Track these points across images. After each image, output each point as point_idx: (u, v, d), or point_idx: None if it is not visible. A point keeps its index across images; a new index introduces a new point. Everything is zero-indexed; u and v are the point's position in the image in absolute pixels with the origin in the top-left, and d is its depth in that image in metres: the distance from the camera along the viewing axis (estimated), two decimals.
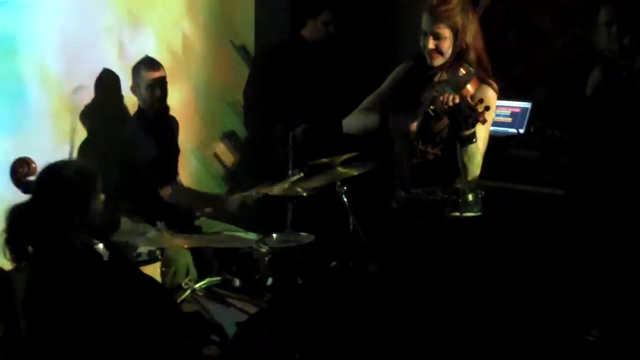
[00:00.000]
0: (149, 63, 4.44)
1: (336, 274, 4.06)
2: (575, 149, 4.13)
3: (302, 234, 4.13)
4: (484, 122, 3.13)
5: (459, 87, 3.15)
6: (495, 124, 5.04)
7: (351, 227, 4.19)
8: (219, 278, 3.77)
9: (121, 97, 4.66)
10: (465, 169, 3.29)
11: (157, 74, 4.42)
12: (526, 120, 4.95)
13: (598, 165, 3.92)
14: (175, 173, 4.65)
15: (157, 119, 4.50)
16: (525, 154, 4.76)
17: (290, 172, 4.29)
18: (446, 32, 3.30)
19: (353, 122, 3.62)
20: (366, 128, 3.57)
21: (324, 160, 4.22)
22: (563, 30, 5.18)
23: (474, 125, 3.13)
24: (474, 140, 3.20)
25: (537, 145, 4.75)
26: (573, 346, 3.94)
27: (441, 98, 3.15)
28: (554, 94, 4.30)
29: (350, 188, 4.17)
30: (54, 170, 2.88)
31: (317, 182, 4.24)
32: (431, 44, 3.32)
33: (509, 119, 5.03)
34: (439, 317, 3.48)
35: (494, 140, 4.89)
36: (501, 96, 5.04)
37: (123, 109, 4.68)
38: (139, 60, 4.47)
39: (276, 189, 4.26)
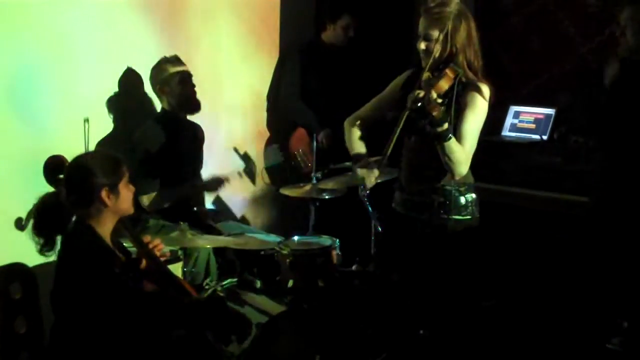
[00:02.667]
0: (173, 60, 4.38)
1: (357, 277, 4.07)
2: (600, 155, 4.11)
3: (324, 236, 4.14)
4: (432, 111, 3.10)
5: (431, 85, 3.17)
6: (519, 130, 5.07)
7: (373, 231, 4.20)
8: (234, 279, 3.78)
9: (146, 96, 4.63)
10: (448, 167, 3.28)
11: (185, 68, 4.38)
12: (550, 126, 4.94)
13: (623, 171, 3.91)
14: (180, 180, 4.44)
15: (184, 121, 4.46)
16: (548, 160, 4.75)
17: (313, 174, 4.31)
18: (435, 34, 3.31)
19: (345, 131, 3.70)
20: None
21: (346, 163, 4.23)
22: (588, 36, 5.16)
23: (439, 121, 3.14)
24: (449, 137, 3.19)
25: (561, 151, 4.74)
26: (594, 354, 3.93)
27: (410, 95, 3.17)
28: (578, 100, 4.29)
29: (373, 192, 4.18)
30: (81, 159, 2.94)
31: (339, 185, 4.25)
32: (422, 45, 3.35)
33: (533, 126, 5.03)
34: (455, 323, 3.47)
35: (518, 147, 4.94)
36: (525, 102, 5.12)
37: (146, 108, 4.66)
38: (158, 62, 4.39)
39: (298, 192, 4.29)
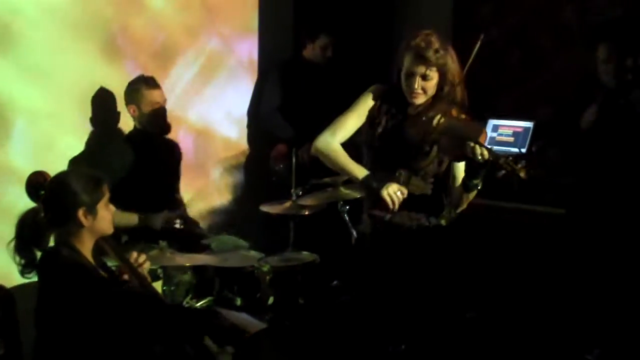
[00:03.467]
0: (148, 81, 4.36)
1: (338, 293, 4.06)
2: (576, 171, 4.15)
3: (304, 252, 4.14)
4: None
5: (473, 138, 3.24)
6: (497, 143, 5.09)
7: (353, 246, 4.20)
8: (211, 298, 3.78)
9: (117, 115, 4.60)
10: (459, 206, 3.45)
11: (158, 93, 4.37)
12: (528, 139, 4.96)
13: (597, 188, 3.95)
14: (164, 199, 4.44)
15: (152, 142, 4.41)
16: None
17: (293, 190, 4.30)
18: (435, 74, 3.37)
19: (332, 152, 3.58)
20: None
21: (327, 179, 4.23)
22: (565, 50, 5.20)
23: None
24: (480, 187, 3.31)
25: (539, 164, 4.75)
26: None
27: (479, 151, 3.20)
28: (555, 114, 4.33)
29: (352, 207, 4.18)
30: (61, 176, 2.94)
31: (319, 201, 4.25)
32: (418, 85, 3.36)
33: (511, 139, 5.04)
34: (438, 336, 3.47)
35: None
36: (503, 116, 5.14)
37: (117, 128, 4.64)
38: (135, 79, 4.38)
39: (278, 208, 4.28)
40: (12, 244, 2.88)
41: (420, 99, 3.40)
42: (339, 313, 3.94)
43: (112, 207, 2.99)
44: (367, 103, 3.55)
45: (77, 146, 4.41)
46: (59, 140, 4.34)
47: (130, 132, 4.45)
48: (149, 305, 2.99)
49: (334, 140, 3.55)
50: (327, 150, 3.52)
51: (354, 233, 3.98)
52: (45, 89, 4.23)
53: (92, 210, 2.88)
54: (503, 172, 3.25)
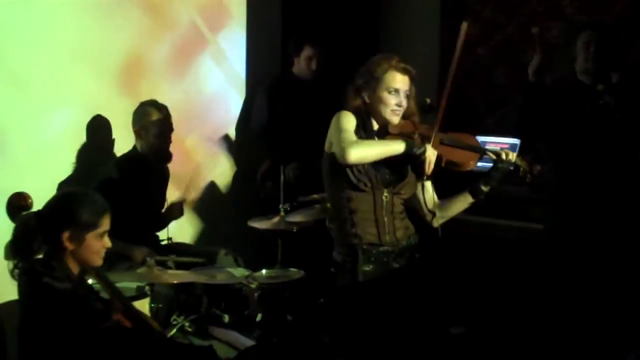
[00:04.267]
0: (160, 107, 4.36)
1: (325, 310, 4.06)
2: (555, 181, 4.18)
3: (292, 269, 4.14)
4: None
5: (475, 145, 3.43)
6: (484, 160, 5.10)
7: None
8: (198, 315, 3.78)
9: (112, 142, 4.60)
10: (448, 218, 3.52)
11: (168, 120, 4.36)
12: None
13: (576, 201, 3.99)
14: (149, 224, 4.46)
15: (149, 167, 4.39)
16: (514, 189, 4.79)
17: (281, 207, 4.31)
18: (412, 91, 3.42)
19: (365, 150, 3.30)
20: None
21: (315, 196, 4.25)
22: (552, 67, 5.22)
23: None
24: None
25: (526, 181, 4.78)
26: None
27: (503, 154, 3.42)
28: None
29: None
30: (64, 193, 2.97)
31: (307, 217, 4.26)
32: (401, 101, 3.38)
33: None
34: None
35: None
36: (490, 132, 5.17)
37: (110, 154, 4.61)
38: (146, 103, 4.37)
39: (266, 224, 4.29)
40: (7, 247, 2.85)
41: (399, 117, 3.40)
42: (327, 329, 3.94)
43: (106, 241, 2.92)
44: (351, 120, 3.38)
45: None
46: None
47: (129, 152, 4.41)
48: (130, 345, 2.94)
49: (353, 143, 3.24)
50: (360, 151, 3.23)
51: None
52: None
53: (79, 236, 2.83)
54: (521, 169, 3.41)
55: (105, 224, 2.91)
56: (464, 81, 5.56)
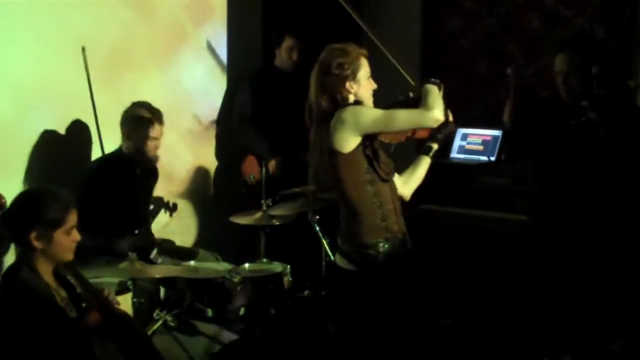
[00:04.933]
0: (153, 112, 4.30)
1: (309, 303, 4.06)
2: (540, 180, 4.19)
3: (275, 263, 4.14)
4: None
5: None
6: (467, 152, 5.13)
7: (324, 255, 4.21)
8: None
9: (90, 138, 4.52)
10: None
11: (159, 127, 4.31)
12: (497, 148, 4.99)
13: (561, 195, 4.00)
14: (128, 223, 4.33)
15: (136, 165, 4.34)
16: (496, 181, 4.81)
17: (263, 201, 4.30)
18: None
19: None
20: None
21: (296, 189, 4.24)
22: (532, 59, 5.25)
23: None
24: None
25: (508, 172, 4.80)
26: None
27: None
28: (523, 122, 4.37)
29: (323, 217, 4.19)
30: (25, 193, 2.95)
31: (289, 211, 4.26)
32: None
33: (481, 147, 5.08)
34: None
35: (466, 168, 4.99)
36: (472, 124, 5.18)
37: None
38: (139, 105, 4.31)
39: (249, 219, 4.28)
40: None
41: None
42: (313, 323, 3.95)
43: (75, 235, 2.91)
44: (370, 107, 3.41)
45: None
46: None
47: (114, 152, 4.37)
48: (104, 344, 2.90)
49: (431, 109, 3.25)
50: (441, 109, 3.27)
51: (324, 246, 4.01)
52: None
53: (46, 234, 2.81)
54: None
55: (72, 219, 2.89)
56: (445, 73, 5.57)
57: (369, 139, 3.26)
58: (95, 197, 4.07)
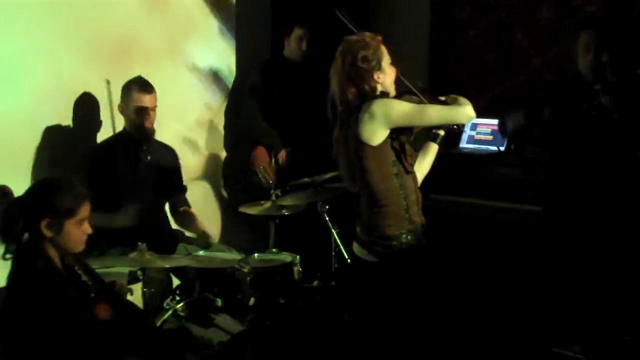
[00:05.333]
0: (141, 85, 4.35)
1: (318, 293, 4.05)
2: (551, 168, 4.17)
3: (284, 253, 4.13)
4: None
5: None
6: (476, 142, 5.11)
7: (333, 246, 4.20)
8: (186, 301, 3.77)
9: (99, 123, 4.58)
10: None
11: (148, 97, 4.33)
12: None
13: (572, 184, 3.98)
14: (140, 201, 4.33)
15: (139, 144, 4.38)
16: (505, 171, 4.79)
17: (272, 192, 4.30)
18: None
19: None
20: None
21: (306, 179, 4.23)
22: (542, 49, 5.22)
23: None
24: None
25: (518, 162, 4.77)
26: None
27: None
28: (533, 112, 4.34)
29: (332, 207, 4.18)
30: (41, 182, 2.94)
31: (298, 201, 4.25)
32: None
33: (490, 137, 5.06)
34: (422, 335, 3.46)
35: (476, 159, 4.97)
36: (482, 114, 5.16)
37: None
38: (131, 80, 4.37)
39: (258, 209, 4.27)
40: None
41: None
42: (320, 314, 3.94)
43: (87, 228, 2.92)
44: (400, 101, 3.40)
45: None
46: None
47: (118, 132, 4.47)
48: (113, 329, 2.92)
49: (464, 105, 3.42)
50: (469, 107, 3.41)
51: (333, 236, 4.00)
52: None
53: (57, 224, 2.83)
54: None
55: (85, 211, 2.90)
56: (454, 64, 5.55)
57: (397, 132, 3.27)
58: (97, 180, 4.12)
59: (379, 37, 3.38)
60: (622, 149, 3.86)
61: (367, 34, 3.39)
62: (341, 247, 4.12)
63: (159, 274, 3.95)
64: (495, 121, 5.06)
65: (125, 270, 3.64)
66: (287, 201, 4.26)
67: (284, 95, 5.22)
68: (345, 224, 4.01)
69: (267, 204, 4.27)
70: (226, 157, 5.58)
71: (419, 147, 3.61)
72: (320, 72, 4.90)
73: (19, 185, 3.01)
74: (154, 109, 4.38)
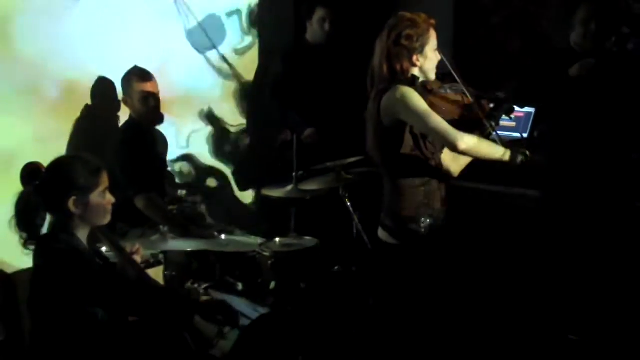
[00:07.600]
0: (140, 74, 4.39)
1: (339, 278, 4.05)
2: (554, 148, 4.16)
3: (306, 237, 4.13)
4: None
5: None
6: (499, 128, 5.06)
7: (354, 231, 4.19)
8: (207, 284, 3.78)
9: (118, 105, 4.60)
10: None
11: (149, 85, 4.38)
12: (530, 124, 4.93)
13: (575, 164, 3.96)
14: (157, 186, 4.45)
15: (147, 131, 4.47)
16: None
17: (294, 175, 4.29)
18: None
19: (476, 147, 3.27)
20: None
21: (328, 164, 4.22)
22: (566, 36, 5.17)
23: None
24: None
25: (541, 149, 4.74)
26: (555, 346, 3.95)
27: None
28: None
29: (354, 192, 4.17)
30: (58, 162, 2.92)
31: (320, 185, 4.24)
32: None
33: (513, 124, 5.01)
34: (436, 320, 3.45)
35: None
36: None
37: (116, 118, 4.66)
38: (128, 71, 4.41)
39: (280, 192, 4.27)
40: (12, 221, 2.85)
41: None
42: (340, 297, 3.94)
43: (109, 197, 2.95)
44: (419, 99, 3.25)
45: None
46: None
47: (125, 123, 4.51)
48: (139, 290, 3.00)
49: (462, 136, 3.17)
50: (471, 145, 3.21)
51: (354, 221, 3.99)
52: None
53: (83, 199, 2.85)
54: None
55: (105, 180, 2.93)
56: (478, 51, 5.52)
57: None
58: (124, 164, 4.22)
59: (433, 21, 3.31)
60: (614, 118, 3.86)
61: (422, 14, 3.33)
62: (362, 232, 4.11)
63: (179, 257, 3.96)
64: (518, 108, 5.04)
65: (147, 253, 3.66)
66: (309, 185, 4.26)
67: (307, 80, 5.20)
68: (367, 210, 4.00)
69: (290, 187, 4.26)
70: (250, 142, 5.58)
71: None
72: (344, 54, 4.89)
73: None
74: (157, 94, 4.43)
